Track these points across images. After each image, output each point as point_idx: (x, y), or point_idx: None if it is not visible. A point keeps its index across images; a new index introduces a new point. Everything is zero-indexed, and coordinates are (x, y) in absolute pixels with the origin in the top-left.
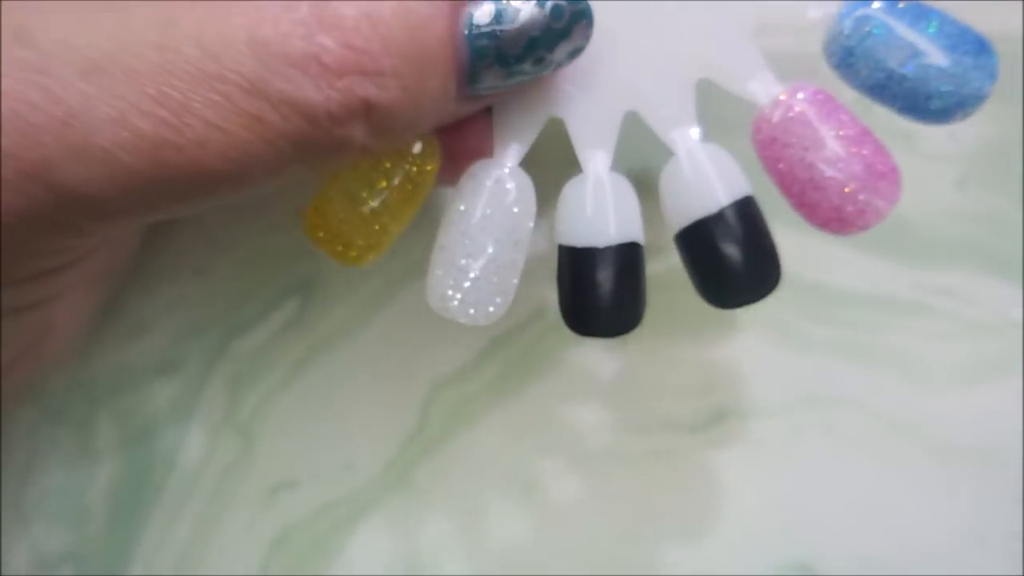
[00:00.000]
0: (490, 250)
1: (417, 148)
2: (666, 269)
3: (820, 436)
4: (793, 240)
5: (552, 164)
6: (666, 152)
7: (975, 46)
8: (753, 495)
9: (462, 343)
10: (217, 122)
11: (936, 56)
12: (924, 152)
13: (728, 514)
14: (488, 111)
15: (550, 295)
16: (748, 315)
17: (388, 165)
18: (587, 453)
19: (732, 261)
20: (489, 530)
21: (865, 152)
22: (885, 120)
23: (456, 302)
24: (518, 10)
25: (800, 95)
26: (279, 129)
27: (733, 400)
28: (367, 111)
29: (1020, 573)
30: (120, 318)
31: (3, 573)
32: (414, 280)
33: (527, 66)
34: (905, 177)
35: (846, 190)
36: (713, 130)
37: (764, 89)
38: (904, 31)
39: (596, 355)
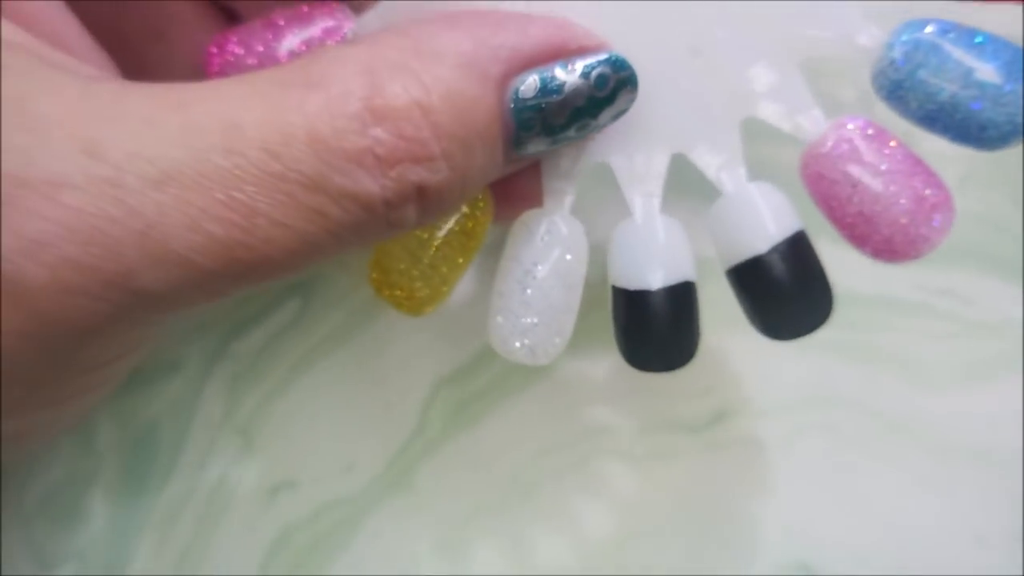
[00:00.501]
0: (546, 297)
1: (471, 202)
2: None
3: (820, 436)
4: None
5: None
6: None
7: None
8: (753, 495)
9: (462, 344)
10: (282, 219)
11: (989, 85)
12: (924, 152)
13: (728, 514)
14: (537, 161)
15: None
16: None
17: (444, 221)
18: (587, 453)
19: (786, 297)
20: (489, 530)
21: (916, 183)
22: (884, 118)
23: (517, 346)
24: (563, 83)
25: (849, 126)
26: (339, 220)
27: (733, 400)
28: (419, 194)
29: (1020, 573)
30: None
31: (3, 573)
32: None
33: (571, 132)
34: None
35: (896, 223)
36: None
37: (812, 122)
38: (957, 58)
39: (596, 356)
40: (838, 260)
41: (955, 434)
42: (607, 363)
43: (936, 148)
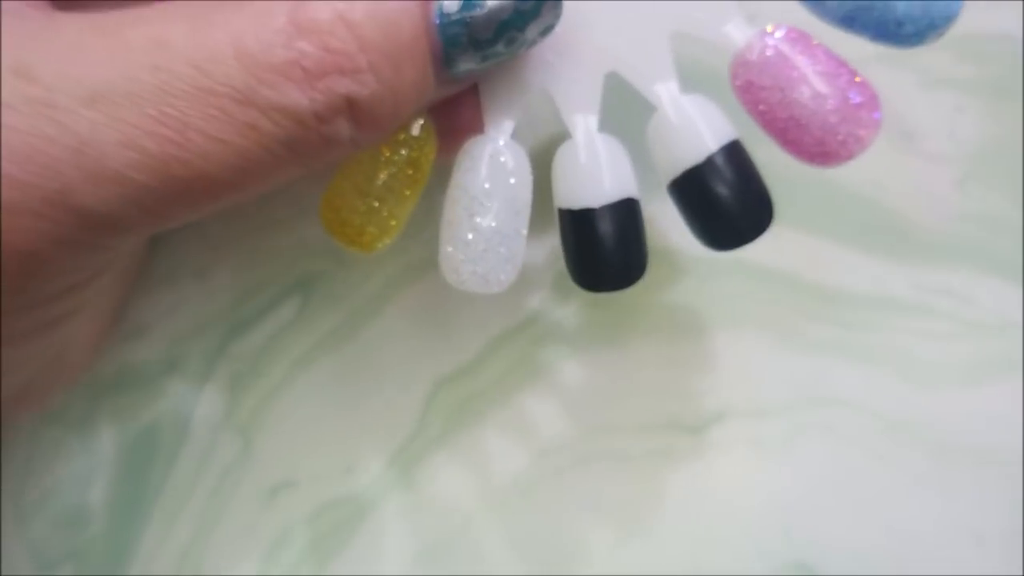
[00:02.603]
0: (494, 223)
1: (413, 133)
2: (667, 268)
3: (820, 436)
4: (793, 240)
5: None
6: (648, 109)
7: None
8: (753, 495)
9: (462, 343)
10: (216, 134)
11: None
12: (924, 152)
13: (728, 514)
14: (476, 88)
15: (548, 295)
16: (748, 315)
17: (387, 154)
18: (587, 453)
19: (726, 205)
20: (489, 530)
21: (841, 83)
22: (885, 119)
23: (469, 275)
24: None
25: (776, 34)
26: (272, 134)
27: (733, 400)
28: (350, 107)
29: (1020, 573)
30: (120, 318)
31: (3, 573)
32: (414, 280)
33: (500, 47)
34: (905, 177)
35: (826, 123)
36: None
37: (739, 31)
38: None
39: (596, 355)
40: (837, 260)
41: (955, 434)
42: (607, 363)
43: (936, 149)
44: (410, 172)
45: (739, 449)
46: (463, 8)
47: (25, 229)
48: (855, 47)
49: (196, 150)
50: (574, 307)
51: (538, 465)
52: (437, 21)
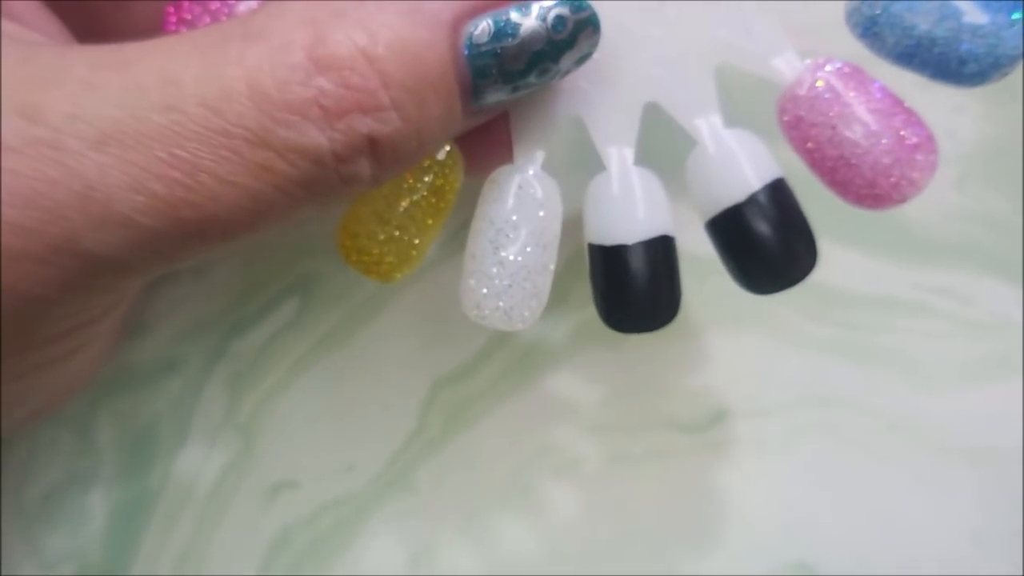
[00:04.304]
0: (520, 257)
1: (439, 160)
2: None
3: (820, 436)
4: None
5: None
6: (687, 140)
7: (1008, 2)
8: (753, 495)
9: (462, 343)
10: (228, 177)
11: (968, 17)
12: None
13: (728, 514)
14: (506, 113)
15: (550, 296)
16: (748, 315)
17: (411, 181)
18: (587, 453)
19: (768, 247)
20: (489, 530)
21: (896, 124)
22: None
23: (491, 310)
24: (518, 25)
25: (827, 68)
26: (288, 175)
27: (733, 400)
28: (371, 146)
29: (1020, 573)
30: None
31: (3, 573)
32: (414, 280)
33: (532, 78)
34: None
35: (878, 164)
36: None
37: (788, 65)
38: None
39: (596, 356)
40: (837, 260)
41: (954, 434)
42: (607, 363)
43: None
44: (434, 200)
45: (739, 449)
46: (494, 38)
47: (29, 276)
48: (847, 45)
49: (207, 193)
50: (573, 307)
51: (537, 465)
52: (466, 52)
